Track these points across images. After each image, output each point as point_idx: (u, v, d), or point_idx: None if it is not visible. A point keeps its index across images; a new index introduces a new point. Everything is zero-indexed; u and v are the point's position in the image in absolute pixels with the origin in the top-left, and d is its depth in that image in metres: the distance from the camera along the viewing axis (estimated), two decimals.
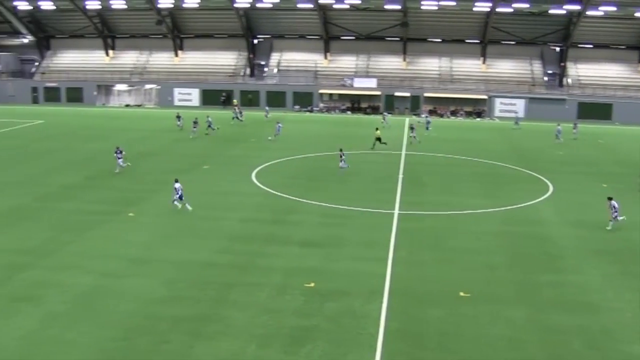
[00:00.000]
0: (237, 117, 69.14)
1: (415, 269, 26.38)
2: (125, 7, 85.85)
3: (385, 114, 72.31)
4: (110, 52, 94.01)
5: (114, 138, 57.66)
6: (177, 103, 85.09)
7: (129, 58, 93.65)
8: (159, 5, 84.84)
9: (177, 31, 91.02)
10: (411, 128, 59.33)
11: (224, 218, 33.37)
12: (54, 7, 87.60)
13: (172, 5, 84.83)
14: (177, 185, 34.29)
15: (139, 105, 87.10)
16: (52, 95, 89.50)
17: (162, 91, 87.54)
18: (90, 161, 48.38)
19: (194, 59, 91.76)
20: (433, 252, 28.38)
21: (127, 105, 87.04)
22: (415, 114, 72.82)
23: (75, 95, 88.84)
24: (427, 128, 63.81)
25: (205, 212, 34.44)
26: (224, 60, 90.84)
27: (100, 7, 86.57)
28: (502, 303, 23.15)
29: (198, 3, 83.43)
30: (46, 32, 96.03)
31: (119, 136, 59.42)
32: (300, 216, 33.82)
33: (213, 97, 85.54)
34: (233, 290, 23.97)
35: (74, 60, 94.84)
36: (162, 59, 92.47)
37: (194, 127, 59.74)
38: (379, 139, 53.55)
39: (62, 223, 32.36)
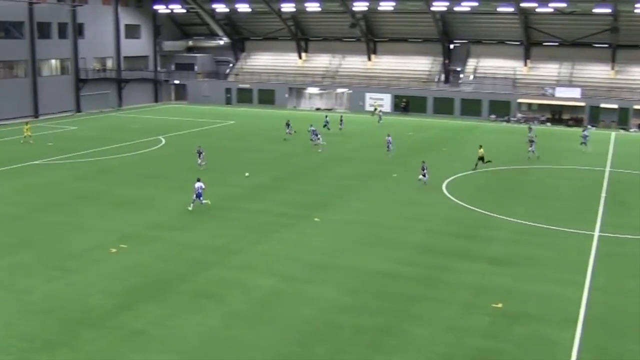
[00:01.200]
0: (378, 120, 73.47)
1: (616, 298, 25.02)
2: (320, 9, 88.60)
3: (588, 126, 68.90)
4: (303, 54, 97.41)
5: (303, 141, 59.76)
6: (368, 108, 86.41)
7: (321, 61, 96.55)
8: (353, 8, 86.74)
9: (370, 35, 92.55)
10: (530, 142, 54.78)
11: (410, 228, 33.52)
12: (250, 10, 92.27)
13: (366, 9, 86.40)
14: (198, 184, 36.40)
15: (329, 109, 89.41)
16: (244, 96, 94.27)
17: (353, 95, 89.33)
18: (278, 162, 50.52)
19: (386, 63, 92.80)
20: (638, 281, 26.76)
21: (317, 109, 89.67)
22: (529, 125, 68.53)
23: (266, 97, 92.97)
24: (583, 143, 58.31)
25: (391, 221, 34.82)
26: (417, 65, 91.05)
27: (294, 9, 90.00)
28: None
29: (393, 6, 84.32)
30: (241, 35, 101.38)
31: (300, 139, 61.50)
32: (492, 232, 33.22)
33: (410, 103, 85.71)
34: (416, 304, 24.03)
35: (266, 62, 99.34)
36: (354, 63, 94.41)
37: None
38: (481, 158, 48.74)
39: (249, 223, 34.10)
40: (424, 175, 42.54)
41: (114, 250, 29.71)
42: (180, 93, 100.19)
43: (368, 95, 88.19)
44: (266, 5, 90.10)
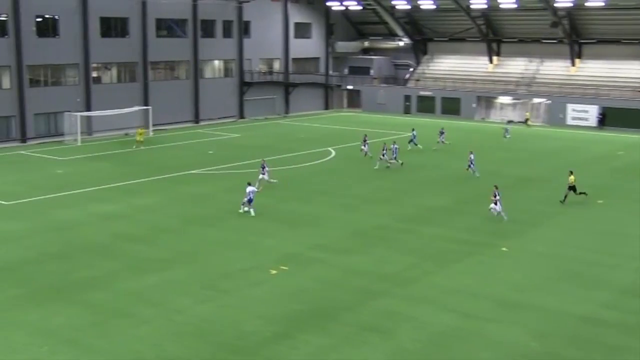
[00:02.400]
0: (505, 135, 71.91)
1: None
2: (516, 6, 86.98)
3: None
4: (495, 58, 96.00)
5: (490, 157, 58.81)
6: (569, 122, 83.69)
7: (515, 66, 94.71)
8: (555, 5, 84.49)
9: (575, 35, 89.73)
10: None
11: (617, 265, 32.02)
12: (434, 7, 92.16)
13: (571, 5, 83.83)
14: (249, 189, 39.88)
15: (524, 122, 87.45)
16: (425, 105, 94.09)
17: (552, 107, 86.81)
18: (460, 181, 49.99)
19: (594, 69, 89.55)
20: None
21: (509, 122, 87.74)
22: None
23: (451, 107, 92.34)
24: None
25: (593, 255, 33.47)
26: (632, 71, 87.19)
27: (486, 6, 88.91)
28: None
29: (605, 2, 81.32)
30: (423, 35, 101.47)
31: (494, 155, 60.47)
32: None
33: (617, 116, 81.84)
34: (619, 356, 22.85)
35: (452, 66, 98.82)
36: (554, 68, 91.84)
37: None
38: (573, 188, 43.88)
39: (425, 250, 33.93)
40: (495, 204, 39.55)
41: (273, 271, 30.46)
42: (354, 100, 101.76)
43: (570, 106, 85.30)
44: (453, 2, 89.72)
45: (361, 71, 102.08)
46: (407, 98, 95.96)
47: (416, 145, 63.47)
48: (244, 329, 24.41)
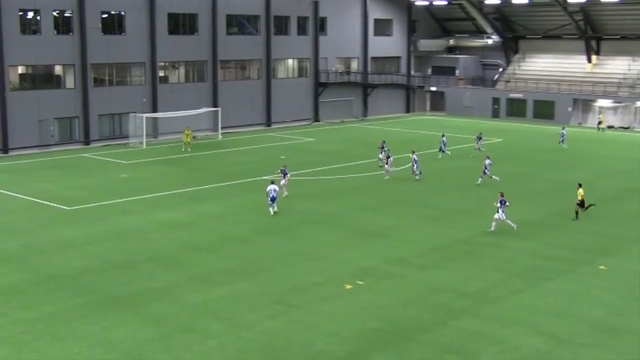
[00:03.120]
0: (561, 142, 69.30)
1: None
2: (618, 0, 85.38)
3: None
4: (594, 57, 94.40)
5: (584, 166, 57.91)
6: None
7: (617, 66, 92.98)
8: None
9: None
10: None
11: None
12: (527, 1, 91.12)
13: None
14: (270, 187, 42.28)
15: (626, 128, 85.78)
16: (516, 108, 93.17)
17: None
18: (554, 193, 49.38)
19: None
20: None
21: (610, 127, 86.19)
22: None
23: (544, 110, 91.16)
24: None
25: None
26: None
27: (585, 0, 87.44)
28: None
29: None
30: (515, 32, 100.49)
31: (591, 165, 59.52)
32: None
33: None
34: None
35: (546, 66, 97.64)
36: None
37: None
38: (581, 204, 42.37)
39: (512, 266, 33.56)
40: (497, 212, 38.89)
41: (348, 286, 30.53)
42: (437, 102, 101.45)
43: None
44: None
45: (446, 71, 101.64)
46: (496, 101, 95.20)
47: (444, 152, 63.02)
48: (316, 347, 24.51)
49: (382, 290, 30.26)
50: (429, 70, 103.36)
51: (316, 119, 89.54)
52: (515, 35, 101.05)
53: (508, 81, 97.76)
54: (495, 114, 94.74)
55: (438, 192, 49.82)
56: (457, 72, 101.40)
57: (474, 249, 36.18)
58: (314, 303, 28.63)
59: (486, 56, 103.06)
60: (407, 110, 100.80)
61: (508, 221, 38.93)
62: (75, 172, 57.12)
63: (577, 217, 42.35)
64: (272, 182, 42.91)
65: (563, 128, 70.98)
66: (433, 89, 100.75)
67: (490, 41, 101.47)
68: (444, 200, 47.32)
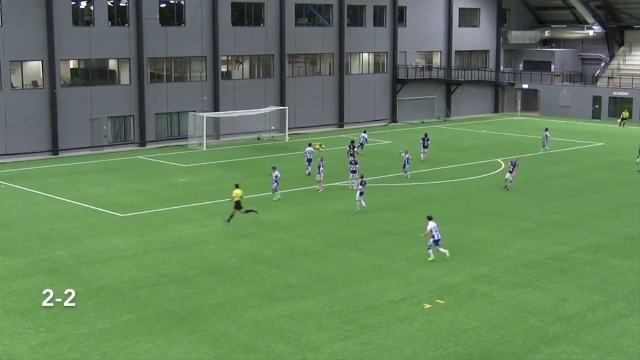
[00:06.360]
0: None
1: None
2: None
3: None
4: None
5: None
6: None
7: None
8: None
9: None
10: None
11: None
12: None
13: None
14: (275, 173, 47.93)
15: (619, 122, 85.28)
16: (620, 108, 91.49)
17: None
18: None
19: None
20: None
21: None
22: None
23: None
24: None
25: None
26: None
27: None
28: None
29: None
30: (620, 21, 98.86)
31: None
32: None
33: None
34: None
35: None
36: None
37: None
38: (237, 205, 42.84)
39: (615, 287, 32.98)
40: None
41: (427, 305, 30.31)
42: (530, 101, 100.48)
43: None
44: None
45: (540, 67, 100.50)
46: (597, 100, 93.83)
47: (545, 148, 63.57)
48: None
49: (465, 310, 29.97)
50: (521, 66, 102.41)
51: (393, 119, 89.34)
52: (620, 26, 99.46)
53: (611, 77, 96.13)
54: (596, 115, 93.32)
55: (533, 201, 49.18)
56: (552, 67, 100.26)
57: (571, 267, 35.61)
58: (388, 324, 28.46)
59: (586, 49, 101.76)
60: (496, 110, 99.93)
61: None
62: (129, 175, 57.89)
63: (229, 220, 42.68)
64: (274, 168, 48.84)
65: (546, 129, 69.34)
66: (525, 86, 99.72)
67: (591, 32, 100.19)
68: (539, 210, 46.71)
